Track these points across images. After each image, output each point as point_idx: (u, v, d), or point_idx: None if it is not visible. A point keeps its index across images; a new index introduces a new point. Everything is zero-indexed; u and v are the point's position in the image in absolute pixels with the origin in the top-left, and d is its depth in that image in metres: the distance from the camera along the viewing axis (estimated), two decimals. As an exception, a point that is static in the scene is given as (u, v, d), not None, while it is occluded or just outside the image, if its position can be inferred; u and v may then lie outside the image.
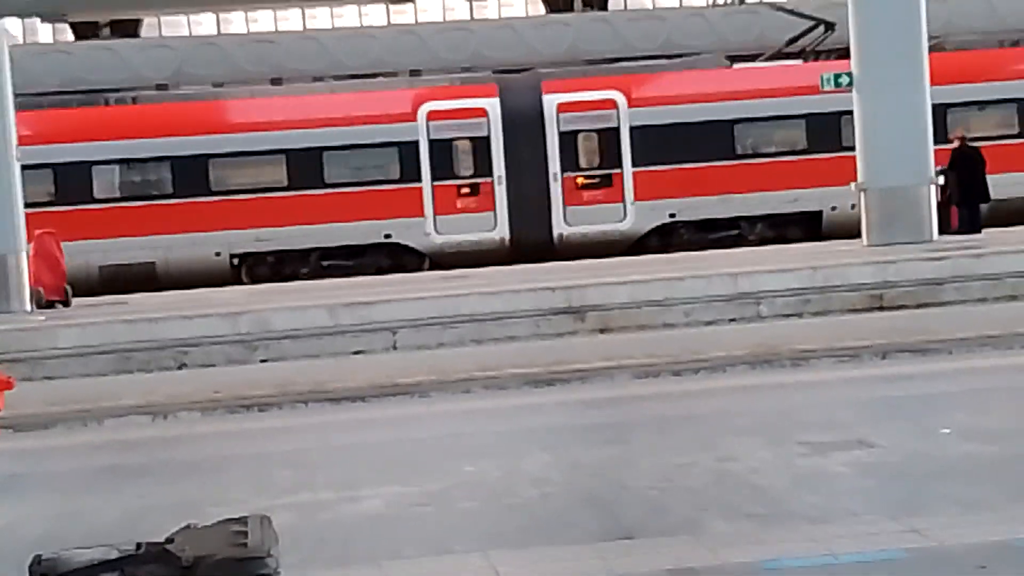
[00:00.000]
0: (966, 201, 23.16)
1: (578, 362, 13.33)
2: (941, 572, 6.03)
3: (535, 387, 12.38)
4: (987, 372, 11.80)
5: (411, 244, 25.25)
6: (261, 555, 6.19)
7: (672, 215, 25.71)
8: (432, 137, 25.41)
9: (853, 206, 25.44)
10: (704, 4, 33.36)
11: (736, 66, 26.86)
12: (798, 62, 26.93)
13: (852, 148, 25.60)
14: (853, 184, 21.55)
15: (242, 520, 6.49)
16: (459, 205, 25.55)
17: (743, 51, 28.32)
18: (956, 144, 23.67)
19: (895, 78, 20.87)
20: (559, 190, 25.54)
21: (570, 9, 32.75)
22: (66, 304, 20.49)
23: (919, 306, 16.61)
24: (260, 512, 6.69)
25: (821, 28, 27.43)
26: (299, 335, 16.19)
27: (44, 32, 32.99)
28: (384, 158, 25.44)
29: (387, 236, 25.41)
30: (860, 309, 16.64)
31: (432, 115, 25.35)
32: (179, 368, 15.68)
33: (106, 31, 30.59)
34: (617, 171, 25.62)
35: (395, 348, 16.02)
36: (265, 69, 29.13)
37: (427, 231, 25.40)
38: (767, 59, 27.17)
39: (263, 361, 15.77)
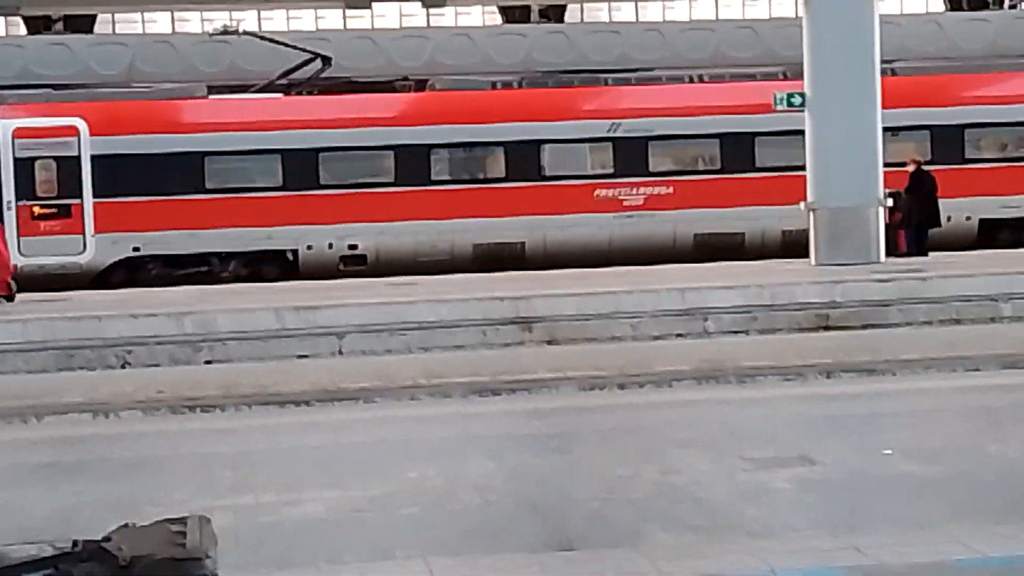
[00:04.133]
0: (917, 224, 23.33)
1: (524, 372, 13.31)
2: (880, 589, 6.05)
3: (481, 396, 12.35)
4: (930, 393, 11.89)
5: None
6: (199, 556, 6.13)
7: (136, 248, 24.76)
8: None
9: (330, 245, 25.10)
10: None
11: (212, 97, 25.98)
12: (278, 95, 26.23)
13: (330, 188, 25.18)
14: (802, 203, 21.64)
15: (181, 520, 6.43)
16: None
17: (229, 83, 27.41)
18: (912, 167, 23.83)
19: (847, 99, 21.00)
20: (13, 219, 24.28)
21: (526, 21, 32.79)
22: (10, 299, 20.27)
23: (865, 327, 16.70)
24: (200, 513, 6.64)
25: (318, 62, 26.76)
26: (245, 337, 16.09)
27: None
28: None
29: None
30: (806, 328, 16.71)
31: None
32: (123, 367, 15.54)
33: (59, 26, 30.34)
34: (77, 201, 24.56)
35: (341, 353, 15.95)
36: (219, 69, 28.94)
37: None
38: (258, 91, 26.33)
39: (208, 362, 15.67)
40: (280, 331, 16.21)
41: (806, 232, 24.73)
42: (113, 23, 32.90)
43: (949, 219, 24.68)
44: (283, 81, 26.51)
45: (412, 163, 25.35)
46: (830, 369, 13.10)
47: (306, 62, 26.66)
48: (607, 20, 34.53)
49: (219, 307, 17.20)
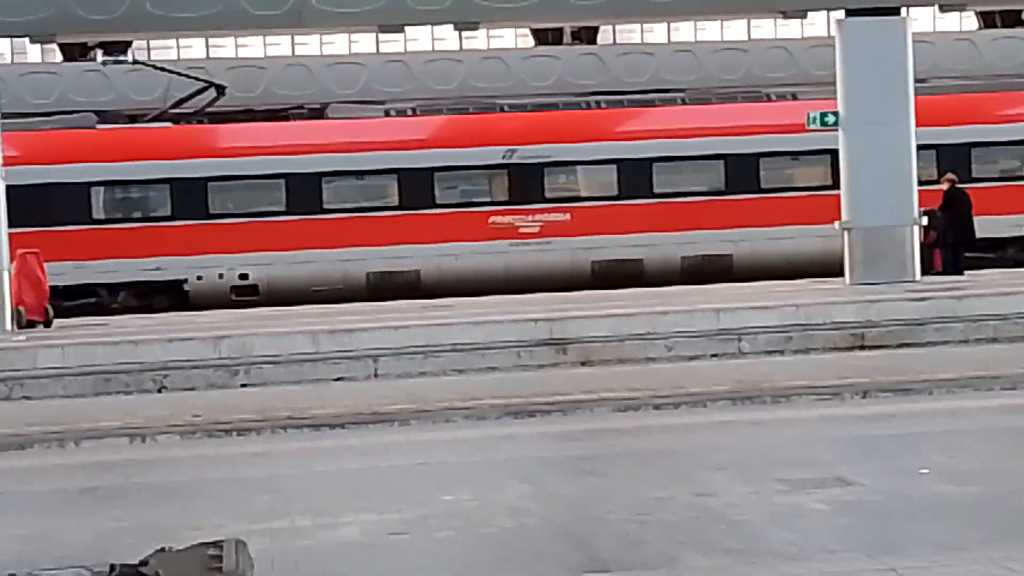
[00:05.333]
0: (952, 243, 23.23)
1: (559, 394, 13.32)
2: (916, 611, 6.02)
3: (515, 418, 12.36)
4: (967, 413, 11.81)
5: None
6: (236, 580, 6.16)
7: None
8: None
9: (221, 275, 24.84)
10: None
11: (100, 127, 25.73)
12: (168, 124, 26.00)
13: (220, 217, 24.92)
14: (836, 223, 21.58)
15: (217, 544, 6.47)
16: None
17: (122, 112, 27.01)
18: (946, 186, 23.73)
19: (880, 118, 20.96)
20: None
21: (559, 43, 32.85)
22: (47, 324, 20.43)
23: (900, 346, 16.65)
24: (236, 537, 6.67)
25: (212, 91, 26.63)
26: (280, 361, 16.16)
27: (32, 52, 32.97)
28: None
29: None
30: (842, 348, 16.67)
31: None
32: (159, 391, 15.63)
33: (94, 53, 30.56)
34: None
35: (376, 376, 16.00)
36: (254, 96, 29.10)
37: None
38: (152, 120, 26.26)
39: (244, 386, 15.74)
40: (316, 354, 16.27)
41: (705, 258, 24.73)
42: (148, 49, 33.10)
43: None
44: (176, 110, 26.44)
45: (304, 191, 25.18)
46: (866, 389, 13.05)
47: (199, 91, 26.60)
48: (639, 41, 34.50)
49: (255, 331, 17.28)
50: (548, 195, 25.62)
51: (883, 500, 8.25)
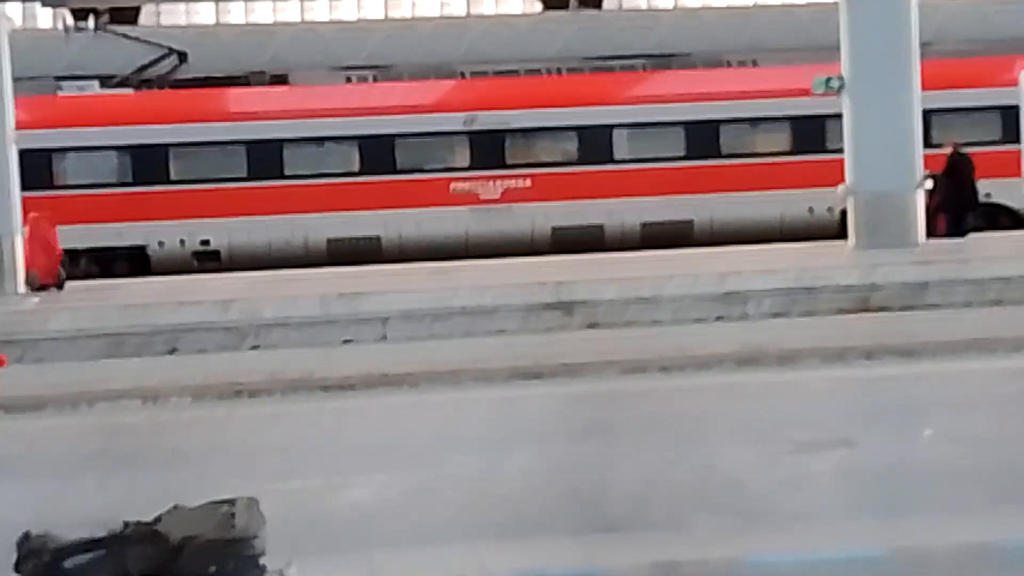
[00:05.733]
0: (955, 207, 23.23)
1: (566, 357, 13.39)
2: (922, 571, 6.12)
3: (524, 380, 12.44)
4: (970, 376, 11.89)
5: None
6: (248, 537, 6.27)
7: None
8: None
9: (182, 241, 24.77)
10: None
11: (61, 94, 25.43)
12: (129, 91, 25.84)
13: (181, 183, 24.71)
14: (841, 187, 21.61)
15: (230, 502, 6.56)
16: None
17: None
18: (949, 150, 23.71)
19: (885, 83, 20.93)
20: None
21: (566, 7, 32.74)
22: (59, 287, 20.51)
23: (905, 309, 16.69)
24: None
25: (174, 58, 26.52)
26: (290, 323, 16.22)
27: (44, 17, 32.93)
28: None
29: None
30: (846, 311, 16.71)
31: None
32: (170, 353, 15.71)
33: (105, 18, 30.49)
34: None
35: (385, 339, 16.07)
36: (264, 61, 29.03)
37: None
38: (116, 85, 26.00)
39: (254, 348, 15.81)
40: (325, 317, 16.33)
41: (665, 224, 24.78)
42: (158, 15, 33.08)
43: (811, 210, 24.68)
44: (138, 77, 26.41)
45: (264, 158, 25.19)
46: (871, 351, 13.11)
47: (162, 57, 26.60)
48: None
49: (265, 294, 17.36)
50: (509, 161, 25.66)
51: (888, 462, 8.33)
